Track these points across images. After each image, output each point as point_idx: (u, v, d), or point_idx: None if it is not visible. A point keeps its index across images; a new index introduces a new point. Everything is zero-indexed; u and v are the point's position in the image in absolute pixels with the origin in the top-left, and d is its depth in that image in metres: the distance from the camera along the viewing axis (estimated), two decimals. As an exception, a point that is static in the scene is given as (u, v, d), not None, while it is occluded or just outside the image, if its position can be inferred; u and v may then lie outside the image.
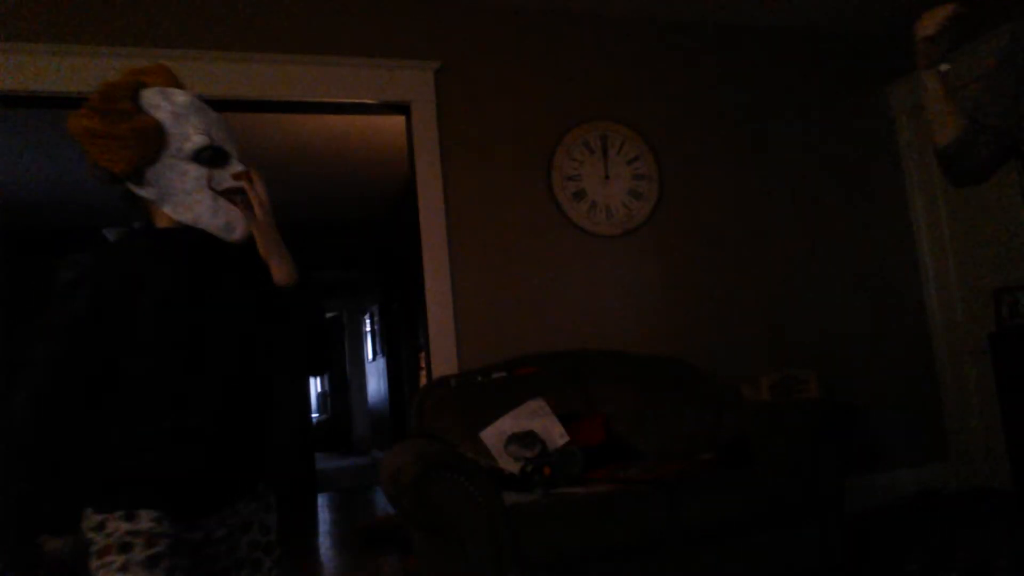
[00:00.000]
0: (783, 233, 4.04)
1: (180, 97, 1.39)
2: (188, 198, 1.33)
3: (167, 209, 1.34)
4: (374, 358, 10.36)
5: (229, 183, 1.35)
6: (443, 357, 3.38)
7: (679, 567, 2.49)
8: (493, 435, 2.87)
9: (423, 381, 3.92)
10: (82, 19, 3.11)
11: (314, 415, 10.23)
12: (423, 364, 4.48)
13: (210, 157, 1.35)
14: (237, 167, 1.38)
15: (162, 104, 1.35)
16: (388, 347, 9.11)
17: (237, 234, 1.37)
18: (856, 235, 4.18)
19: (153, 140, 1.30)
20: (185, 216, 1.33)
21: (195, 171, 1.33)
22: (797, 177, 4.12)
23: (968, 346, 4.07)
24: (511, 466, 2.77)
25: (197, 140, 1.34)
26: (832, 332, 4.02)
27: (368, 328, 10.78)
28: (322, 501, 6.94)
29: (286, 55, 3.32)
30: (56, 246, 6.63)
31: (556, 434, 2.90)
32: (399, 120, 3.69)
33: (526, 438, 2.81)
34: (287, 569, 4.35)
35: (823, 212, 4.14)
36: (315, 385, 12.97)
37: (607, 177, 3.75)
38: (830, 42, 4.28)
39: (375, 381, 10.40)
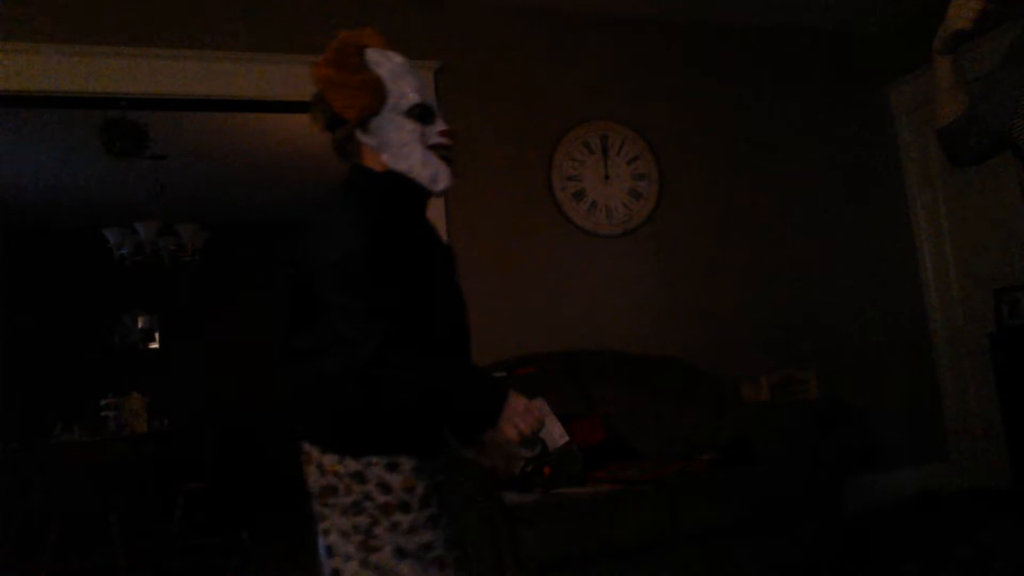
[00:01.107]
0: (783, 233, 4.04)
1: (397, 58, 1.52)
2: (403, 150, 1.45)
3: (386, 157, 1.46)
4: (374, 358, 10.36)
5: (436, 139, 1.48)
6: (443, 357, 3.38)
7: (679, 567, 2.49)
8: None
9: (423, 381, 3.92)
10: (82, 19, 3.11)
11: (314, 415, 10.22)
12: (423, 364, 4.48)
13: (421, 114, 1.47)
14: (442, 125, 1.50)
15: (383, 63, 1.49)
16: (388, 347, 9.11)
17: (441, 185, 1.48)
18: (856, 235, 4.18)
19: (379, 93, 1.43)
20: (400, 165, 1.46)
21: (410, 126, 1.46)
22: (797, 177, 4.12)
23: (968, 346, 4.07)
24: (511, 466, 2.77)
25: (413, 97, 1.46)
26: (832, 332, 4.02)
27: (368, 328, 10.76)
28: (322, 501, 6.92)
29: (286, 55, 3.31)
30: (56, 246, 6.63)
31: (556, 434, 2.89)
32: (399, 120, 3.69)
33: (526, 438, 2.81)
34: (287, 569, 4.36)
35: (823, 212, 4.14)
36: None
37: (607, 177, 3.74)
38: (830, 42, 4.28)
39: (375, 381, 10.40)
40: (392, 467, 1.36)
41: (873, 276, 4.19)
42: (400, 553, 1.35)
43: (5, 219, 6.22)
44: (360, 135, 1.47)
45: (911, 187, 4.31)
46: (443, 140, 1.49)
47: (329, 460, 1.37)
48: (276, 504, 6.65)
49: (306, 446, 1.42)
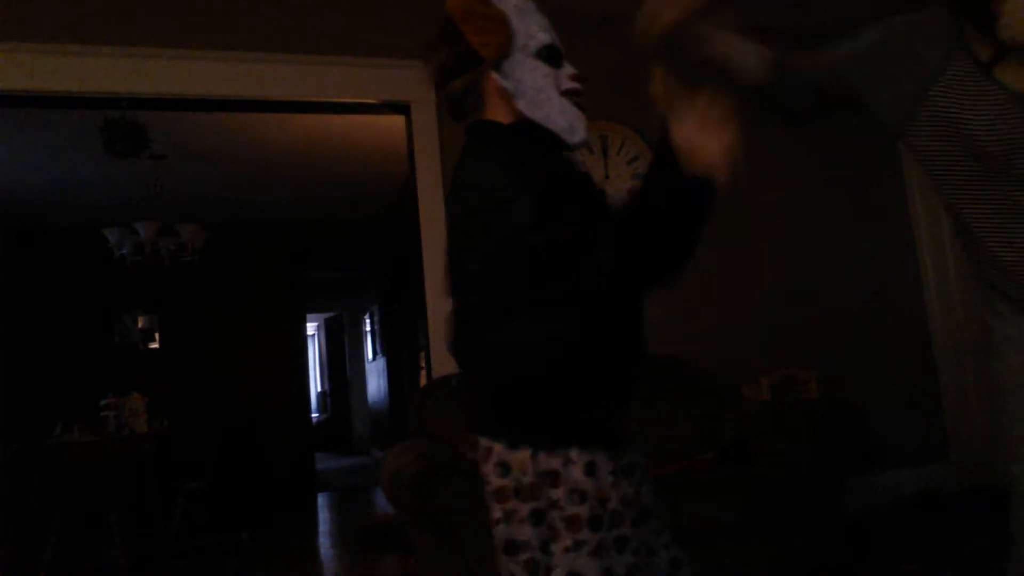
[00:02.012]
0: (783, 233, 4.04)
1: None
2: (540, 95, 1.31)
3: (521, 104, 1.30)
4: (374, 358, 10.36)
5: (569, 83, 1.35)
6: (443, 357, 3.38)
7: (679, 567, 2.49)
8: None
9: (423, 381, 3.92)
10: (82, 19, 3.11)
11: (314, 415, 10.22)
12: (423, 364, 4.48)
13: (551, 55, 1.34)
14: (571, 68, 1.37)
15: (505, 0, 1.33)
16: (388, 347, 9.11)
17: (579, 136, 1.35)
18: (856, 235, 4.18)
19: (510, 29, 1.29)
20: (537, 113, 1.31)
21: (543, 68, 1.32)
22: (797, 177, 4.11)
23: (968, 346, 4.07)
24: (511, 466, 2.76)
25: (542, 37, 1.33)
26: (832, 332, 4.02)
27: (368, 328, 10.77)
28: (322, 501, 6.94)
29: (286, 55, 3.31)
30: (56, 246, 6.63)
31: (556, 434, 2.90)
32: (399, 120, 3.69)
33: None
34: (287, 569, 4.36)
35: (823, 212, 4.14)
36: (315, 385, 12.97)
37: (607, 177, 3.74)
38: (830, 42, 4.27)
39: (375, 381, 10.40)
40: (590, 469, 1.17)
41: (873, 276, 4.19)
42: None
43: (5, 219, 6.23)
44: (496, 77, 1.29)
45: (911, 187, 4.31)
46: (575, 84, 1.35)
47: (518, 457, 1.19)
48: (276, 504, 6.66)
49: (484, 441, 1.24)
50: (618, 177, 3.76)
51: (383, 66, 3.46)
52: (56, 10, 3.08)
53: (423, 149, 3.48)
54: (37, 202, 5.98)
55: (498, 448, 1.21)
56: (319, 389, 13.06)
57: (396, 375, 8.70)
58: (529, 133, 1.30)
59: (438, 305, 3.42)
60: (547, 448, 1.18)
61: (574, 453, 1.18)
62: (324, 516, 6.25)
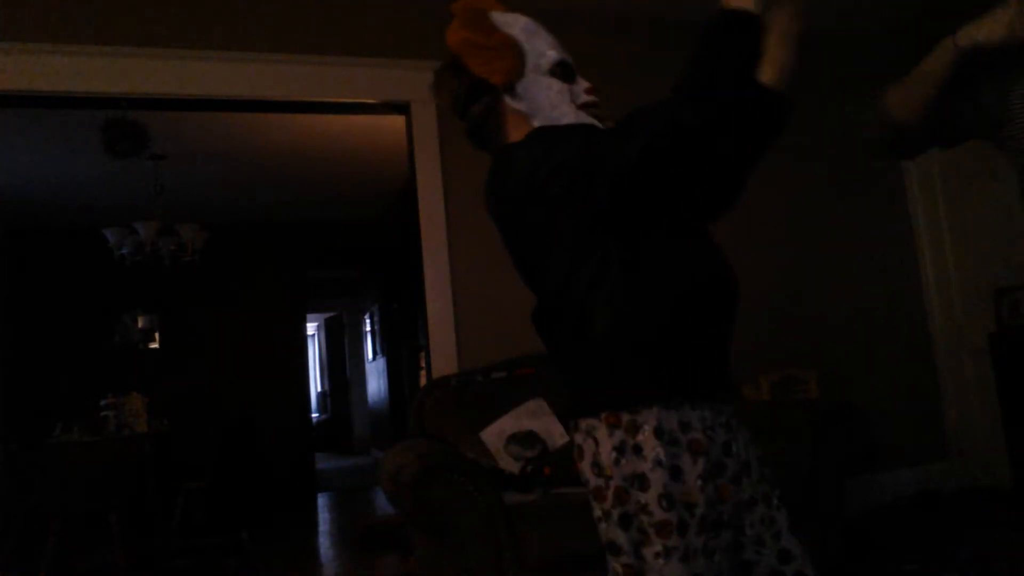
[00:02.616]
0: (783, 233, 4.04)
1: (523, 19, 1.39)
2: (555, 112, 1.33)
3: (538, 123, 1.33)
4: (374, 358, 10.36)
5: (585, 97, 1.39)
6: (443, 357, 3.38)
7: (679, 567, 2.49)
8: (493, 435, 2.87)
9: (423, 381, 3.92)
10: (82, 19, 3.11)
11: (314, 415, 10.23)
12: (423, 364, 4.48)
13: (564, 72, 1.37)
14: (585, 82, 1.41)
15: (512, 23, 1.37)
16: (388, 347, 9.11)
17: None
18: (856, 235, 4.18)
19: (519, 53, 1.32)
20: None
21: (557, 85, 1.35)
22: (797, 177, 4.11)
23: (968, 346, 4.07)
24: (511, 466, 2.77)
25: (552, 55, 1.36)
26: (832, 332, 4.02)
27: (368, 328, 10.77)
28: (322, 501, 6.94)
29: (286, 55, 3.31)
30: (56, 246, 6.63)
31: (556, 434, 2.90)
32: (399, 120, 3.69)
33: (526, 438, 2.81)
34: (287, 569, 4.36)
35: (823, 212, 4.14)
36: (315, 385, 12.97)
37: (607, 177, 3.74)
38: (830, 42, 4.28)
39: (375, 381, 10.40)
40: (676, 474, 1.13)
41: (873, 276, 4.19)
42: None
43: (5, 219, 6.23)
44: (510, 101, 1.33)
45: (911, 187, 4.31)
46: (591, 98, 1.38)
47: (606, 455, 1.15)
48: (276, 504, 6.66)
49: (579, 436, 1.21)
50: (618, 177, 3.75)
51: (383, 66, 3.46)
52: (56, 10, 3.08)
53: (423, 149, 3.48)
54: (37, 202, 5.98)
55: (591, 444, 1.18)
56: (319, 389, 13.07)
57: (396, 375, 8.71)
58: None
59: (438, 305, 3.42)
60: (632, 408, 1.14)
61: (661, 449, 1.13)
62: (324, 516, 6.25)
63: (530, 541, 2.30)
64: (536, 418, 2.93)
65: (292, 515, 6.26)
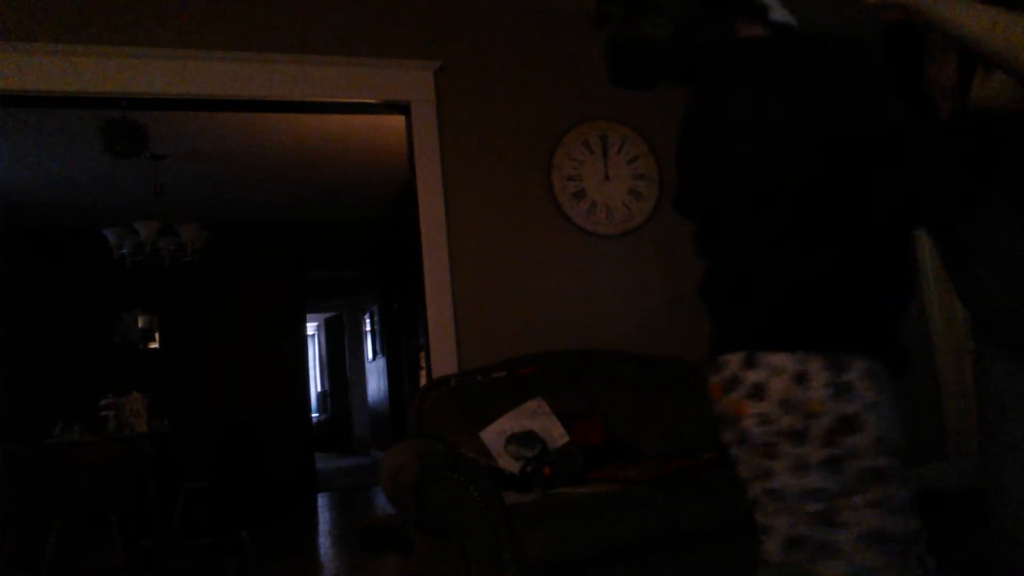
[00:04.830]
0: (783, 233, 4.04)
1: None
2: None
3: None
4: (374, 358, 10.36)
5: None
6: (443, 357, 3.38)
7: (679, 567, 2.49)
8: (493, 435, 2.87)
9: (423, 381, 3.92)
10: (82, 19, 3.11)
11: (314, 415, 10.23)
12: (423, 364, 4.48)
13: None
14: None
15: None
16: (388, 347, 9.10)
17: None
18: (856, 235, 4.18)
19: None
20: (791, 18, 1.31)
21: None
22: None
23: (968, 346, 4.07)
24: (511, 466, 2.77)
25: None
26: (832, 332, 4.02)
27: (368, 328, 10.77)
28: (322, 501, 6.94)
29: (286, 55, 3.31)
30: (56, 246, 6.64)
31: (556, 434, 2.90)
32: (399, 120, 3.69)
33: (526, 438, 2.81)
34: (287, 569, 4.36)
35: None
36: (315, 385, 12.97)
37: (607, 177, 3.74)
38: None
39: (375, 381, 10.40)
40: (886, 418, 1.08)
41: (873, 276, 4.19)
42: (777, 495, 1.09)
43: (5, 219, 6.23)
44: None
45: (911, 187, 4.31)
46: None
47: (811, 394, 1.07)
48: (276, 504, 6.66)
49: (754, 375, 1.11)
50: (618, 177, 3.76)
51: (383, 66, 3.46)
52: (56, 10, 3.08)
53: (423, 149, 3.48)
54: (37, 202, 5.98)
55: (780, 382, 1.09)
56: (319, 389, 13.06)
57: (396, 375, 8.70)
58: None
59: (438, 305, 3.42)
60: (834, 354, 1.08)
61: (863, 374, 1.08)
62: (324, 516, 6.25)
63: (530, 541, 2.30)
64: (536, 418, 2.92)
65: (292, 515, 6.26)
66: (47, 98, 3.16)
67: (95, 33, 3.11)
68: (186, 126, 4.68)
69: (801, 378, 1.08)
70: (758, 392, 1.11)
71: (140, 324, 6.85)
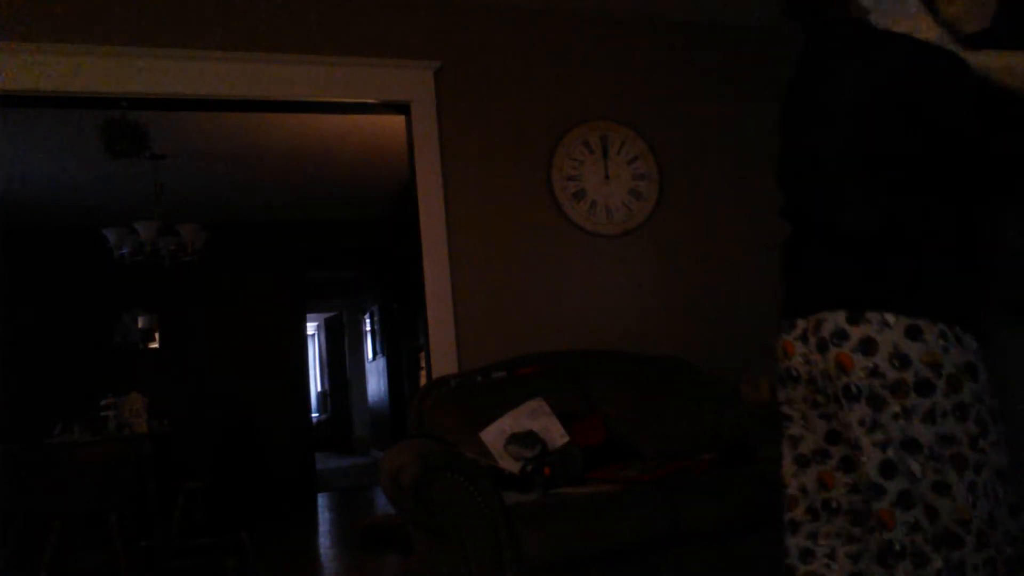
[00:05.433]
0: (783, 233, 4.03)
1: None
2: (897, 7, 1.36)
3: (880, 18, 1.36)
4: (374, 358, 10.36)
5: None
6: (443, 357, 3.38)
7: (679, 567, 2.49)
8: (493, 435, 2.87)
9: (423, 381, 3.92)
10: (82, 19, 3.11)
11: (314, 415, 10.23)
12: (423, 364, 4.48)
13: None
14: None
15: None
16: (388, 347, 9.11)
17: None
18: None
19: None
20: (902, 27, 1.37)
21: None
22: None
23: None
24: (511, 466, 2.77)
25: None
26: (832, 332, 4.02)
27: (368, 328, 10.77)
28: (322, 501, 6.94)
29: (286, 55, 3.31)
30: (56, 246, 6.63)
31: (556, 434, 2.90)
32: (399, 120, 3.69)
33: (526, 438, 2.81)
34: (287, 569, 4.36)
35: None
36: (315, 385, 12.97)
37: (607, 177, 3.74)
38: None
39: (375, 381, 10.40)
40: (914, 332, 1.16)
41: (873, 276, 4.18)
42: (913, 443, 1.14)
43: (5, 219, 6.22)
44: None
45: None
46: None
47: (925, 347, 1.16)
48: (276, 504, 6.66)
49: (863, 329, 1.18)
50: (618, 177, 3.76)
51: (383, 66, 3.46)
52: (56, 10, 3.08)
53: (423, 149, 3.48)
54: (38, 202, 5.98)
55: (888, 337, 1.17)
56: (319, 389, 13.07)
57: (396, 375, 8.71)
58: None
59: (438, 305, 3.42)
60: (953, 326, 1.18)
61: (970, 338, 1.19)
62: (324, 516, 6.25)
63: (530, 541, 2.30)
64: (536, 418, 2.93)
65: (292, 515, 6.26)
66: (47, 98, 3.16)
67: (95, 33, 3.11)
68: (186, 126, 4.68)
69: (914, 332, 1.16)
70: (868, 346, 1.18)
71: (140, 324, 6.85)
